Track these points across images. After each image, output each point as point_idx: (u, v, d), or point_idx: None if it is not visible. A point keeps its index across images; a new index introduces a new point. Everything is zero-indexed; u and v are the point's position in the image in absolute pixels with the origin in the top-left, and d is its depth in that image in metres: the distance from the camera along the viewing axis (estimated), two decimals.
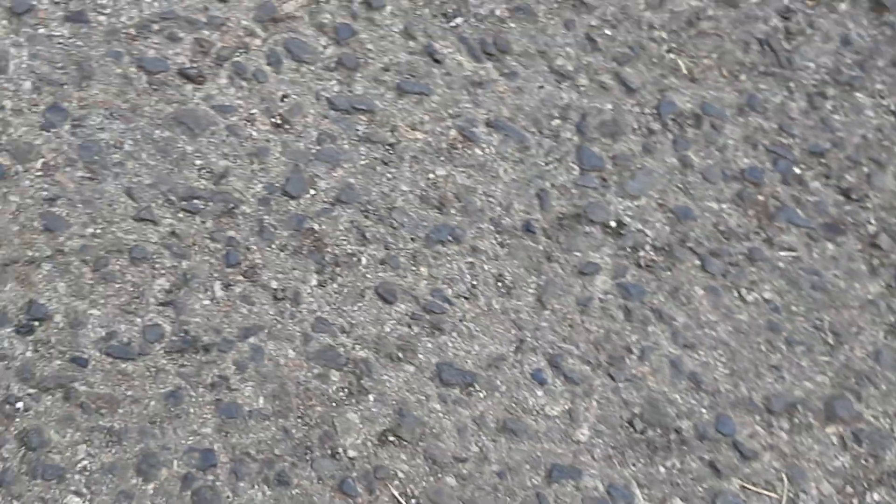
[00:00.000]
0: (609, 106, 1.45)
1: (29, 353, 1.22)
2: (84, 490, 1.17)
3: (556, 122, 1.43)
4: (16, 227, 1.27)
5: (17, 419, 1.19)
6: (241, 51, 1.40)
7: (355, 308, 1.29)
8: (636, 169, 1.42)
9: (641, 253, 1.37)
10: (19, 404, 1.19)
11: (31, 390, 1.20)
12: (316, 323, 1.28)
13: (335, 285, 1.30)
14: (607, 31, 1.49)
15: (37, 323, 1.23)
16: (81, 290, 1.25)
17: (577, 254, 1.36)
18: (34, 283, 1.25)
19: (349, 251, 1.32)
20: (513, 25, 1.48)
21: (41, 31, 1.37)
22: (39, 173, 1.30)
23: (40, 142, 1.32)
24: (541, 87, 1.44)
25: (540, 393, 1.28)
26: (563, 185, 1.39)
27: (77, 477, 1.17)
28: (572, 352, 1.30)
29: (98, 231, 1.28)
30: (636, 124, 1.44)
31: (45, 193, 1.29)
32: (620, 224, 1.38)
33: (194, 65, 1.39)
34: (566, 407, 1.28)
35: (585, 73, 1.46)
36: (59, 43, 1.37)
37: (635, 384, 1.30)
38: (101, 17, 1.39)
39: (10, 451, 1.17)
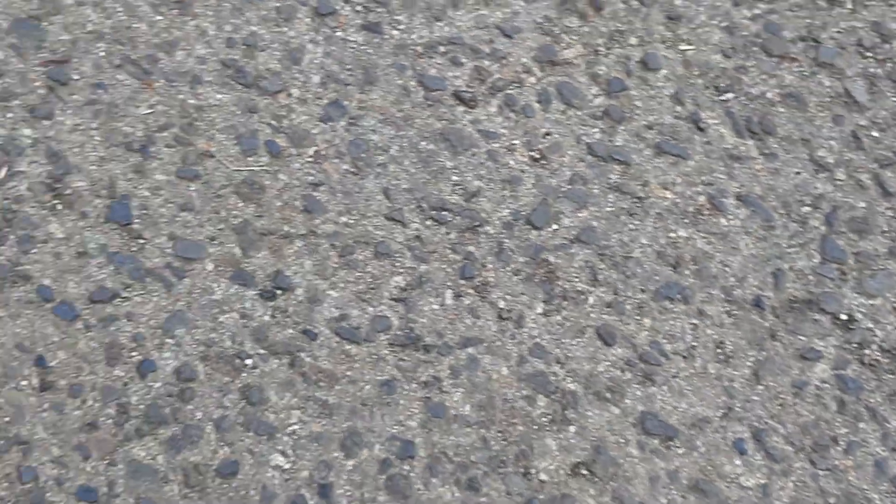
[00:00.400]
0: (862, 204, 1.45)
1: (267, 318, 1.30)
2: (289, 452, 1.24)
3: (806, 209, 1.44)
4: (279, 203, 1.36)
5: (244, 374, 1.27)
6: (515, 85, 1.47)
7: (574, 342, 1.33)
8: (878, 269, 1.41)
9: (867, 351, 1.36)
10: (249, 361, 1.28)
11: (262, 351, 1.28)
12: (534, 348, 1.32)
13: (559, 317, 1.34)
14: (875, 133, 1.50)
15: (279, 292, 1.32)
16: (325, 271, 1.33)
17: (802, 338, 1.36)
18: (284, 255, 1.34)
19: (578, 288, 1.36)
20: (781, 110, 1.50)
21: (338, 33, 1.48)
22: (310, 159, 1.40)
23: (316, 132, 1.41)
24: (798, 172, 1.46)
25: (738, 462, 1.28)
26: (801, 270, 1.40)
27: (286, 439, 1.24)
28: (778, 430, 1.30)
29: (351, 221, 1.36)
30: (886, 227, 1.44)
31: (310, 178, 1.38)
32: (851, 319, 1.38)
33: (469, 89, 1.46)
34: (762, 481, 1.28)
35: (845, 169, 1.47)
36: (352, 47, 1.47)
37: (835, 475, 1.29)
38: (395, 32, 1.49)
39: (232, 401, 1.25)
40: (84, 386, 1.25)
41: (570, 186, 1.42)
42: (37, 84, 1.40)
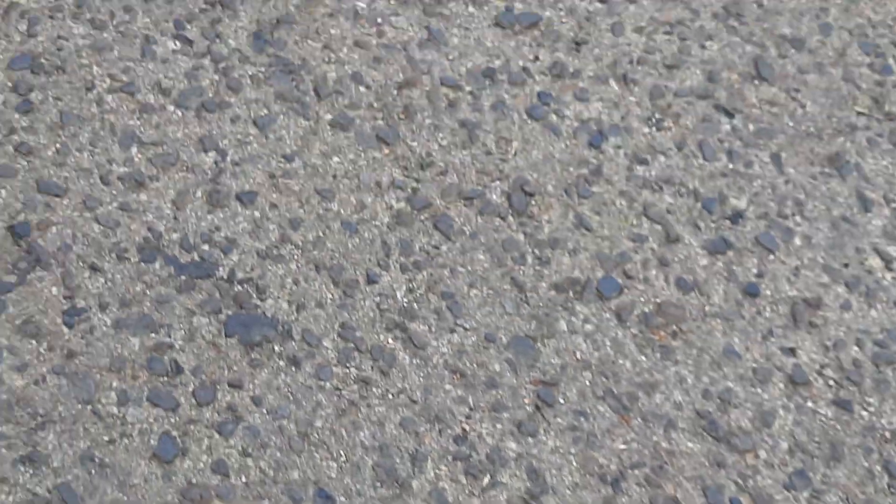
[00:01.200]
0: None
1: None
2: None
3: None
4: None
5: None
6: None
7: None
8: None
9: None
10: None
11: None
12: None
13: None
14: None
15: None
16: None
17: None
18: None
19: None
20: None
21: (809, 404, 1.53)
22: None
23: (780, 498, 1.45)
24: None
25: None
26: None
27: None
28: None
29: None
30: None
31: None
32: None
33: None
34: None
35: None
36: (821, 420, 1.52)
37: None
38: (864, 413, 1.53)
39: None
40: None
41: None
42: (526, 401, 1.50)
